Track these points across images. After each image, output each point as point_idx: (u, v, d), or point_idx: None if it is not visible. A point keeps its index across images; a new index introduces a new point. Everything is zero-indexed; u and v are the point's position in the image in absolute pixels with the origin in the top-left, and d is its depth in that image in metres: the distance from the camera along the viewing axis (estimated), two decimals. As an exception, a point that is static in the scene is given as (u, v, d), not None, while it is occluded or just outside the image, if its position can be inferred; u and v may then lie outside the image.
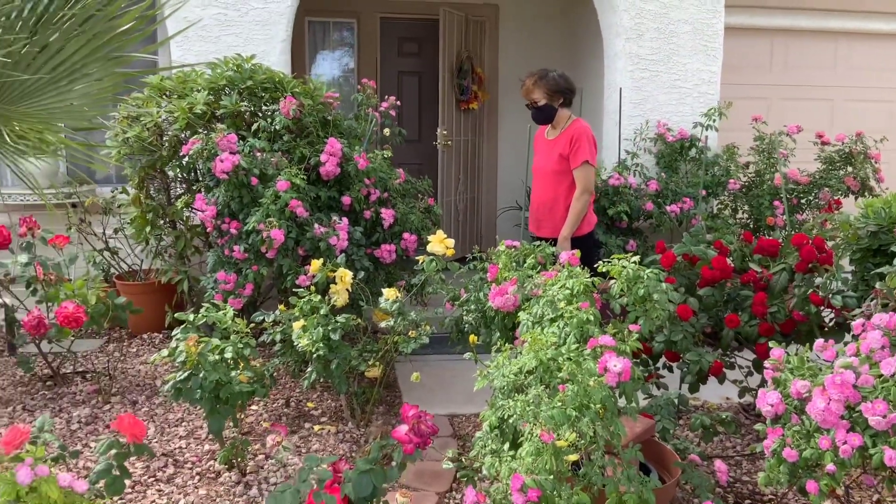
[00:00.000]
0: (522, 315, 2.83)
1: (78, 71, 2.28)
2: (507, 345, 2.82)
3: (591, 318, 2.53)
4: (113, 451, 2.40)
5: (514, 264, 3.25)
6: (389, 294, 3.49)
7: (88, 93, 2.39)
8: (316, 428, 3.62)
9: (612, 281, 2.75)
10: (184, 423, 3.59)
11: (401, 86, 7.45)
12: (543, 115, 4.31)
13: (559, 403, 2.25)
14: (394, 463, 1.98)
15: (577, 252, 2.88)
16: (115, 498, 2.86)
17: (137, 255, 5.17)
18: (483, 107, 7.20)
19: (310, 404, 3.92)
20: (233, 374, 2.97)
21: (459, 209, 7.04)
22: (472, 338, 3.20)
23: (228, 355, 2.98)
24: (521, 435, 2.41)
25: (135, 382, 4.10)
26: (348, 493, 1.88)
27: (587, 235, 4.26)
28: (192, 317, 3.16)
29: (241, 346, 3.07)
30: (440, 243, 3.62)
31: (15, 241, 4.19)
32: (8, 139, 2.35)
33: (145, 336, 4.93)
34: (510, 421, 2.40)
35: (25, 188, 5.57)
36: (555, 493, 2.17)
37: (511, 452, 2.45)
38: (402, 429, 2.00)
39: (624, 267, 2.70)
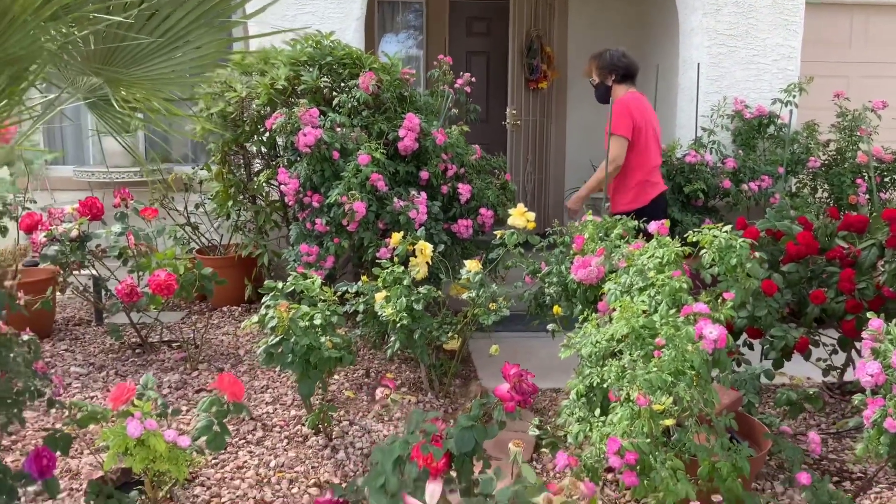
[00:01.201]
0: (609, 285, 2.82)
1: (182, 38, 2.34)
2: (593, 314, 2.82)
3: (684, 285, 2.51)
4: (214, 409, 2.49)
5: (599, 235, 3.24)
6: (472, 266, 3.52)
7: (191, 60, 2.46)
8: (397, 398, 3.67)
9: (703, 251, 2.73)
10: (269, 390, 3.69)
11: (469, 66, 7.44)
12: (599, 94, 4.45)
13: (655, 368, 2.24)
14: (494, 420, 2.01)
15: (667, 221, 2.86)
16: (210, 458, 2.96)
17: (217, 230, 5.31)
18: (552, 86, 7.16)
19: (389, 375, 3.97)
20: (322, 339, 3.03)
21: (528, 189, 7.03)
22: (557, 308, 3.20)
23: (318, 322, 3.04)
24: (611, 402, 2.42)
25: (219, 352, 4.22)
26: (450, 448, 1.91)
27: (632, 213, 4.20)
28: (280, 285, 3.24)
29: (328, 313, 3.13)
30: (521, 216, 3.63)
31: (106, 216, 4.34)
32: (115, 105, 2.43)
33: (225, 309, 5.06)
34: (604, 386, 2.41)
35: (107, 166, 5.77)
36: (651, 456, 2.17)
37: (602, 418, 2.47)
38: (504, 387, 2.03)
39: (715, 236, 2.67)
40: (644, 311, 2.52)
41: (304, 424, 3.29)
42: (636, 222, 3.33)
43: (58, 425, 3.14)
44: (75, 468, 2.90)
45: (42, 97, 2.65)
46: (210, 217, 5.22)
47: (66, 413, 2.77)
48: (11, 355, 2.49)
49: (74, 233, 3.90)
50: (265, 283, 3.29)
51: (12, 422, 2.47)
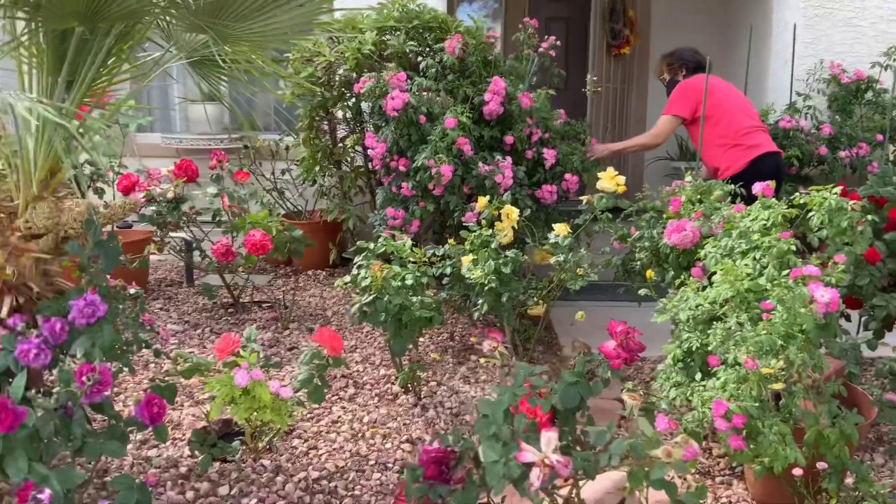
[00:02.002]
0: (708, 248, 2.76)
1: (285, -5, 2.36)
2: (691, 279, 2.76)
3: (793, 247, 2.43)
4: (315, 362, 2.54)
5: (696, 198, 3.16)
6: (560, 229, 3.48)
7: (291, 18, 2.48)
8: (482, 361, 3.69)
9: (810, 213, 2.64)
10: (358, 350, 3.75)
11: (548, 32, 7.29)
12: (670, 91, 4.53)
13: (763, 331, 2.19)
14: (598, 378, 2.00)
15: (772, 183, 2.77)
16: (306, 412, 3.03)
17: (301, 196, 5.40)
18: (634, 52, 6.99)
19: (473, 339, 3.99)
20: (413, 299, 3.06)
21: (607, 158, 6.90)
22: (650, 273, 3.15)
23: (409, 282, 3.07)
24: (711, 367, 2.37)
25: (307, 312, 4.30)
26: (555, 404, 1.90)
27: (728, 179, 4.11)
28: (371, 245, 3.27)
29: (418, 274, 3.16)
30: (611, 180, 3.57)
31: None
32: (220, 62, 2.47)
33: (310, 273, 5.16)
34: (706, 350, 2.37)
35: (194, 133, 5.90)
36: (758, 420, 2.12)
37: (703, 383, 2.42)
38: (609, 344, 2.00)
39: (825, 198, 2.58)
40: (748, 275, 2.45)
41: (393, 383, 3.33)
42: (732, 186, 3.25)
43: (157, 379, 3.26)
44: (177, 419, 3.00)
45: (147, 54, 2.71)
46: (296, 183, 5.30)
47: (166, 367, 2.86)
48: (121, 307, 2.58)
49: (171, 194, 4.01)
50: (357, 243, 3.33)
51: (123, 370, 2.57)
